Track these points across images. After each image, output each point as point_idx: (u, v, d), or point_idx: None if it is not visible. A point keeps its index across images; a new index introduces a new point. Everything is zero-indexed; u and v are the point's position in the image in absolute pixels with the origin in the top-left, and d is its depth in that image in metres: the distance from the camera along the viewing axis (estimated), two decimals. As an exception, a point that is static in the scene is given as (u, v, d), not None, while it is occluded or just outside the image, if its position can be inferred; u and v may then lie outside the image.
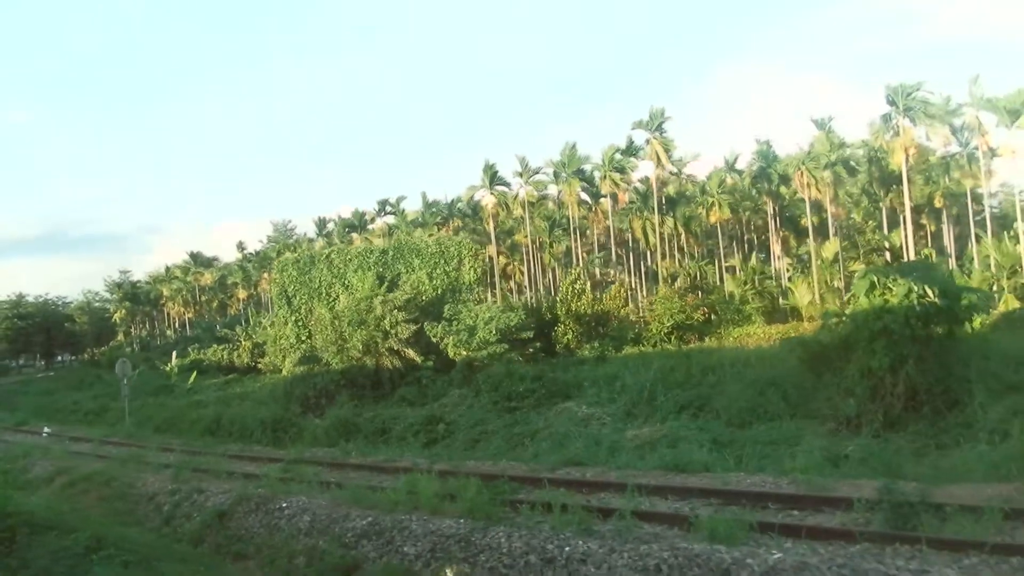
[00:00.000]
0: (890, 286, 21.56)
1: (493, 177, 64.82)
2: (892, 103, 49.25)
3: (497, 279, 70.12)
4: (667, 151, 58.65)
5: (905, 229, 51.16)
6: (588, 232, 72.39)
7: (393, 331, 35.52)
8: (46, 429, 38.57)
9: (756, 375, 24.79)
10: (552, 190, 65.57)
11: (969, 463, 15.62)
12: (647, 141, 58.42)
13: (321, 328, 37.70)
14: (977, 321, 26.75)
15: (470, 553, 12.41)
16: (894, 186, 52.85)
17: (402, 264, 39.95)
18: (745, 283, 52.50)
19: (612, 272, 64.43)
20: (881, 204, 58.57)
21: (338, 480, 18.84)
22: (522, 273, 73.03)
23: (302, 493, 17.08)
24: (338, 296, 39.48)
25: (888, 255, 55.64)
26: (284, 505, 16.39)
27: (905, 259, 49.16)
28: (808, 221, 60.34)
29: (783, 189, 60.96)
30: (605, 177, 59.72)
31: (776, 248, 66.50)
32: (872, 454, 17.55)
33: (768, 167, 60.73)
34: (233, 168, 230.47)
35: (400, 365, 35.54)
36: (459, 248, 40.05)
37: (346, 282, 39.82)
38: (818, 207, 62.97)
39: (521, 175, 63.39)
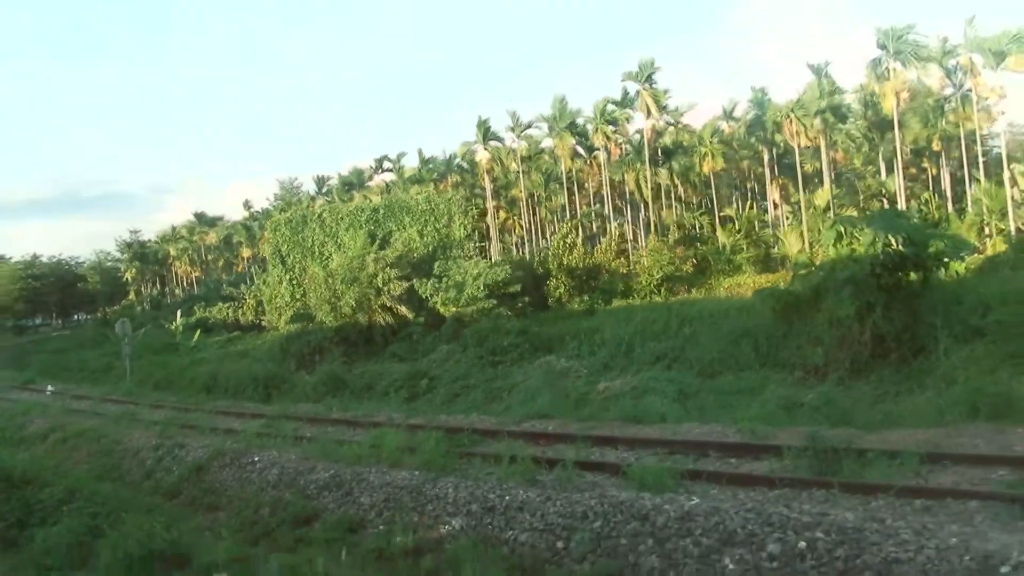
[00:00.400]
0: (856, 235, 21.79)
1: (486, 133, 64.72)
2: (883, 47, 48.65)
3: (494, 233, 70.38)
4: (657, 102, 58.27)
5: (897, 174, 50.92)
6: (586, 185, 72.33)
7: (385, 288, 36.07)
8: (50, 387, 39.50)
9: (732, 326, 25.19)
10: (549, 144, 65.37)
11: (919, 409, 16.07)
12: (637, 92, 58.04)
13: (315, 286, 38.29)
14: (959, 266, 27.01)
15: (419, 503, 12.97)
16: (889, 131, 52.48)
17: (393, 222, 40.37)
18: (738, 233, 52.55)
19: (606, 225, 64.44)
20: (880, 149, 58.18)
21: (314, 435, 19.47)
22: (522, 227, 73.30)
23: (275, 448, 17.74)
24: (331, 255, 39.98)
25: (886, 201, 55.45)
26: (256, 459, 17.03)
27: (900, 204, 49.10)
28: (805, 169, 60.06)
29: (778, 137, 60.57)
30: (597, 130, 59.51)
31: (776, 196, 66.29)
32: (829, 402, 17.99)
33: (763, 115, 60.35)
34: (244, 127, 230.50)
35: (392, 321, 36.16)
36: (449, 205, 40.41)
37: (339, 241, 40.32)
38: (820, 154, 62.60)
39: (513, 130, 63.29)
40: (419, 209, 40.00)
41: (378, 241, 38.57)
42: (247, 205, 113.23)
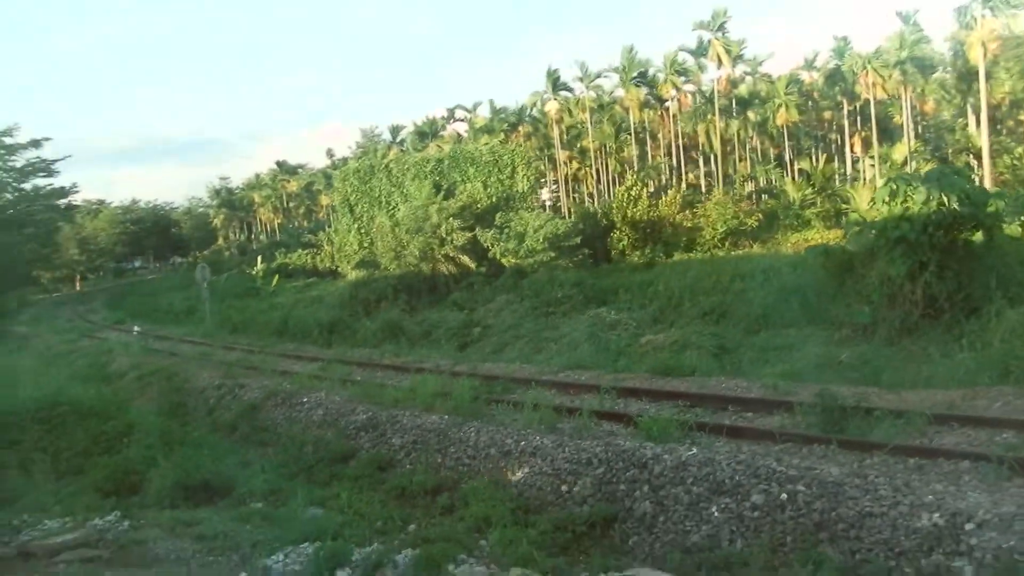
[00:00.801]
0: (910, 194, 21.31)
1: (556, 82, 64.28)
2: (972, -7, 46.20)
3: (562, 183, 70.31)
4: (729, 52, 56.80)
5: (983, 127, 48.56)
6: (659, 136, 71.37)
7: (448, 238, 36.81)
8: (136, 328, 41.85)
9: (783, 283, 25.04)
10: (621, 94, 64.49)
11: (954, 370, 15.92)
12: (708, 42, 56.63)
13: (381, 235, 39.32)
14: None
15: (443, 445, 13.74)
16: (977, 82, 50.03)
17: (458, 173, 40.92)
18: (812, 187, 51.23)
19: (672, 178, 63.61)
20: (968, 101, 55.58)
21: (363, 379, 20.47)
22: (593, 178, 73.00)
23: (323, 390, 18.78)
24: (397, 205, 40.87)
25: (972, 156, 53.13)
26: (305, 400, 18.12)
27: (985, 159, 47.02)
28: (895, 121, 57.76)
29: (858, 88, 58.43)
30: (667, 80, 58.50)
31: (858, 150, 64.20)
32: (866, 361, 17.93)
33: (842, 66, 58.24)
34: (331, 76, 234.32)
35: (454, 271, 36.95)
36: (513, 156, 40.69)
37: (404, 191, 41.14)
38: (911, 107, 60.21)
39: (582, 80, 62.72)
40: (483, 160, 40.44)
41: (443, 192, 39.25)
42: (329, 153, 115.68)
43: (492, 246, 35.83)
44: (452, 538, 9.78)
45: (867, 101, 62.80)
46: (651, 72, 60.20)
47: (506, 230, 36.83)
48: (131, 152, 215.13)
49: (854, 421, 11.71)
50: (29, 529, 11.28)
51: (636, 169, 59.28)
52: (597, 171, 75.14)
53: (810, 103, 62.41)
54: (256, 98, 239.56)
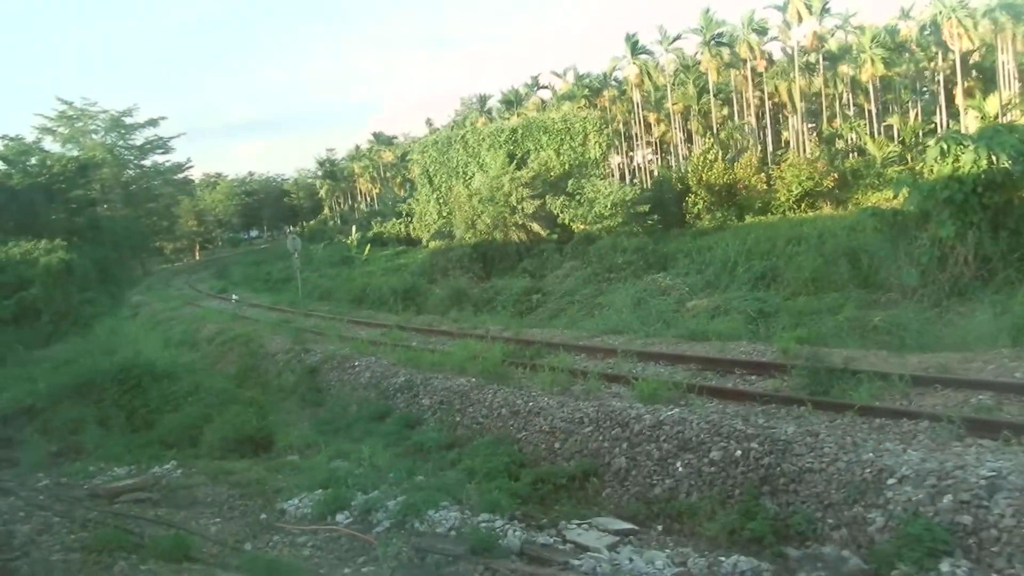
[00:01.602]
0: (959, 153, 20.95)
1: (635, 46, 63.74)
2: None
3: (642, 147, 69.87)
4: (809, 8, 54.95)
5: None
6: (745, 95, 69.81)
7: (520, 206, 37.77)
8: (234, 296, 44.50)
9: (836, 245, 24.91)
10: (703, 57, 63.29)
11: (978, 332, 15.89)
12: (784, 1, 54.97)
13: (459, 205, 40.60)
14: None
15: (463, 405, 14.87)
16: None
17: (531, 141, 41.64)
18: (903, 143, 49.35)
19: (750, 140, 62.26)
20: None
21: (418, 344, 21.76)
22: (682, 141, 72.26)
23: (375, 355, 20.16)
24: (473, 175, 42.00)
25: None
26: (356, 364, 19.55)
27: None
28: (992, 71, 54.77)
29: (945, 38, 55.53)
30: (744, 40, 57.16)
31: (960, 102, 61.19)
32: (900, 324, 17.95)
33: (937, 15, 55.43)
34: (435, 46, 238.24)
35: (525, 238, 37.92)
36: (584, 124, 41.10)
37: (480, 161, 42.19)
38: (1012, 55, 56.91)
39: (661, 43, 61.94)
40: (555, 128, 41.00)
41: (515, 161, 40.11)
42: (428, 123, 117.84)
43: (561, 213, 36.55)
44: (443, 488, 10.86)
45: (970, 50, 59.84)
46: (730, 32, 59.01)
47: (577, 197, 37.47)
48: (250, 124, 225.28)
49: (840, 383, 12.11)
50: (101, 474, 13.14)
51: (716, 131, 58.55)
52: (688, 133, 74.36)
53: (907, 55, 59.74)
54: (370, 69, 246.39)
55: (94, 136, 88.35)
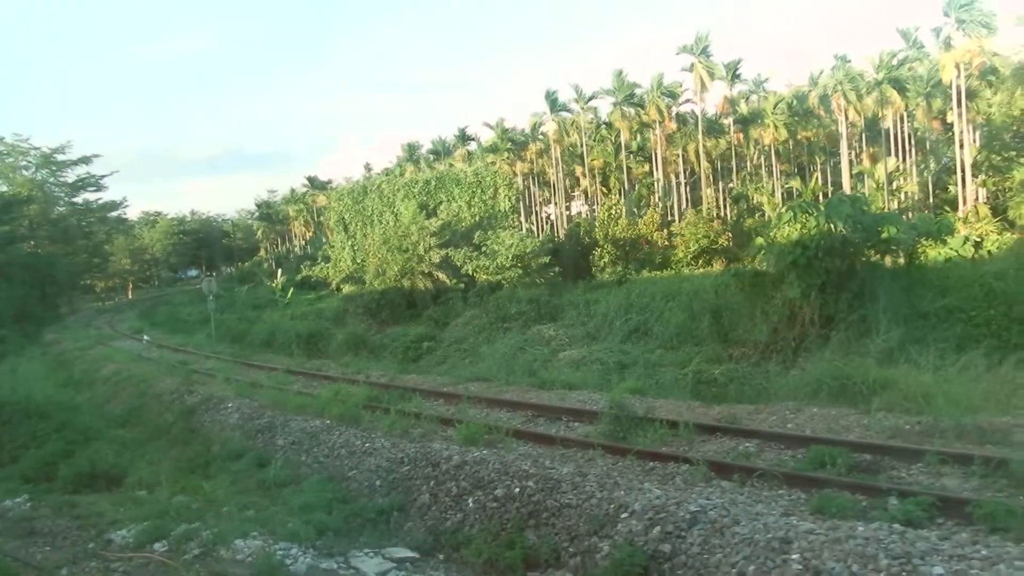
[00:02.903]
0: (804, 220, 22.81)
1: (554, 103, 66.39)
2: (947, 15, 46.81)
3: (561, 200, 71.97)
4: (711, 74, 58.07)
5: (962, 147, 48.93)
6: (659, 154, 72.72)
7: (427, 256, 38.99)
8: (146, 337, 44.72)
9: (705, 302, 26.52)
10: (614, 117, 66.13)
11: (792, 387, 17.45)
12: (691, 65, 58.00)
13: (371, 252, 41.66)
14: (940, 251, 27.32)
15: (311, 445, 15.81)
16: (958, 101, 50.41)
17: (444, 193, 43.09)
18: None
19: (665, 197, 64.70)
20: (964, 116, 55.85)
21: (300, 387, 22.64)
22: (604, 193, 74.71)
23: (251, 396, 20.98)
24: (388, 223, 43.19)
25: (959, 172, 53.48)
26: (229, 406, 20.35)
27: (964, 176, 47.43)
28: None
29: (860, 106, 58.96)
30: (652, 103, 60.00)
31: (867, 165, 64.66)
32: (735, 378, 19.51)
33: (838, 84, 58.93)
34: (381, 94, 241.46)
35: (432, 287, 39.07)
36: (495, 178, 42.73)
37: (395, 210, 43.45)
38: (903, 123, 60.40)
39: (577, 102, 64.63)
40: (467, 181, 42.54)
41: (426, 212, 41.45)
42: (367, 167, 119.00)
43: (464, 263, 37.85)
44: (261, 520, 11.81)
45: (878, 117, 63.41)
46: (643, 93, 61.85)
47: (483, 248, 38.85)
48: (205, 163, 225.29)
49: (637, 430, 13.40)
50: (-47, 506, 13.72)
51: (630, 187, 60.94)
52: (616, 187, 76.85)
53: (816, 120, 63.17)
54: (324, 113, 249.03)
55: (24, 172, 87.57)
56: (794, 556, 7.70)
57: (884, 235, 22.70)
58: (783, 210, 24.34)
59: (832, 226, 21.92)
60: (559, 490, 10.69)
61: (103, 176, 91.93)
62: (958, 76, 47.34)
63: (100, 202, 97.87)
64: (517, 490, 11.09)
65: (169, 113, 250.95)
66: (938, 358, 18.37)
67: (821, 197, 57.22)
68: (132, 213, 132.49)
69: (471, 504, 11.51)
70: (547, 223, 78.26)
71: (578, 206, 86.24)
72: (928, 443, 11.32)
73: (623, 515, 9.64)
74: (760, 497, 9.97)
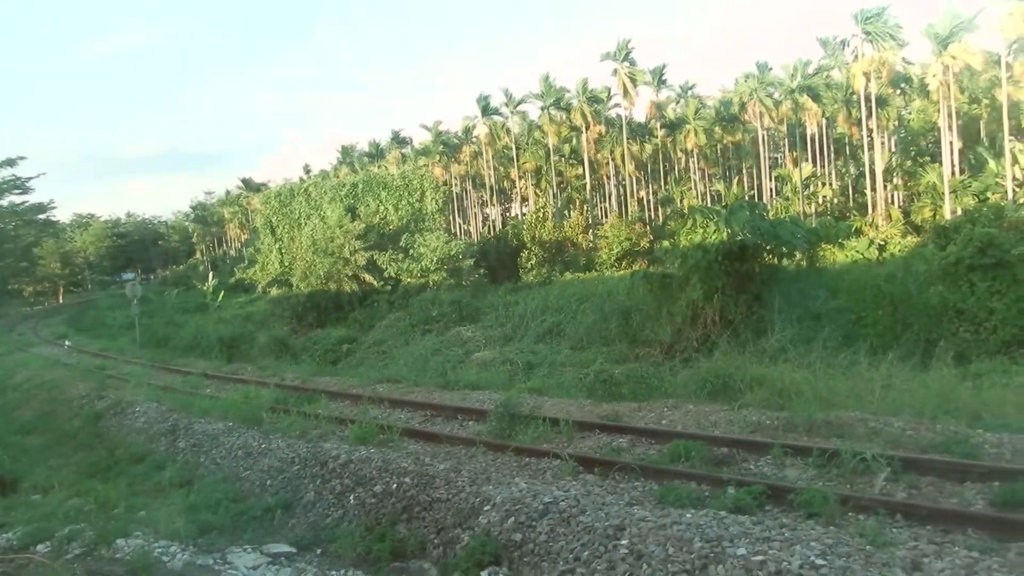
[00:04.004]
0: (704, 225, 23.73)
1: (485, 108, 67.11)
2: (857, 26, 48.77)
3: (495, 201, 72.81)
4: (634, 80, 59.45)
5: (875, 151, 51.00)
6: (588, 158, 73.95)
7: (352, 258, 39.20)
8: (67, 342, 44.06)
9: (617, 303, 27.31)
10: (543, 121, 67.21)
11: (683, 385, 18.20)
12: (614, 72, 59.36)
13: (298, 255, 41.73)
14: (839, 253, 28.54)
15: (211, 447, 16.04)
16: (868, 110, 52.54)
17: (371, 196, 43.32)
18: (725, 207, 53.36)
19: (583, 203, 66.06)
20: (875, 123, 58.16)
21: (212, 391, 22.76)
22: (537, 196, 75.63)
23: (158, 400, 21.05)
24: (315, 226, 43.27)
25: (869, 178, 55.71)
26: (136, 410, 20.40)
27: (878, 180, 49.47)
28: (769, 146, 60.24)
29: (776, 113, 60.96)
30: (579, 108, 61.16)
31: (789, 169, 66.67)
32: (635, 377, 20.19)
33: (753, 92, 60.77)
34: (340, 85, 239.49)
35: (358, 289, 39.28)
36: (422, 181, 43.11)
37: (322, 213, 43.54)
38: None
39: (507, 105, 65.48)
40: (394, 185, 42.87)
41: (352, 214, 41.65)
42: (306, 168, 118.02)
43: (387, 266, 38.16)
44: (148, 520, 12.10)
45: (797, 122, 65.42)
46: (571, 99, 62.99)
47: (410, 250, 39.23)
48: (143, 162, 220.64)
49: (521, 428, 13.98)
50: None
51: (558, 190, 61.96)
52: (546, 190, 77.70)
53: (741, 125, 64.90)
54: (265, 113, 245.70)
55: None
56: (623, 542, 8.31)
57: (780, 239, 23.70)
58: (686, 217, 25.24)
59: (732, 231, 22.82)
60: (432, 485, 11.18)
61: (29, 178, 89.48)
62: (867, 85, 49.29)
63: (26, 205, 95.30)
64: (395, 486, 11.54)
65: (104, 113, 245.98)
66: (826, 356, 19.40)
67: (747, 200, 59.05)
68: (63, 215, 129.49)
69: (352, 500, 11.93)
70: (484, 225, 78.88)
71: (520, 208, 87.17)
72: (782, 437, 12.09)
73: (486, 508, 10.16)
74: (616, 489, 10.61)
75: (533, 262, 43.50)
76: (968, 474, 9.54)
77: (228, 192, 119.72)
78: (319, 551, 11.39)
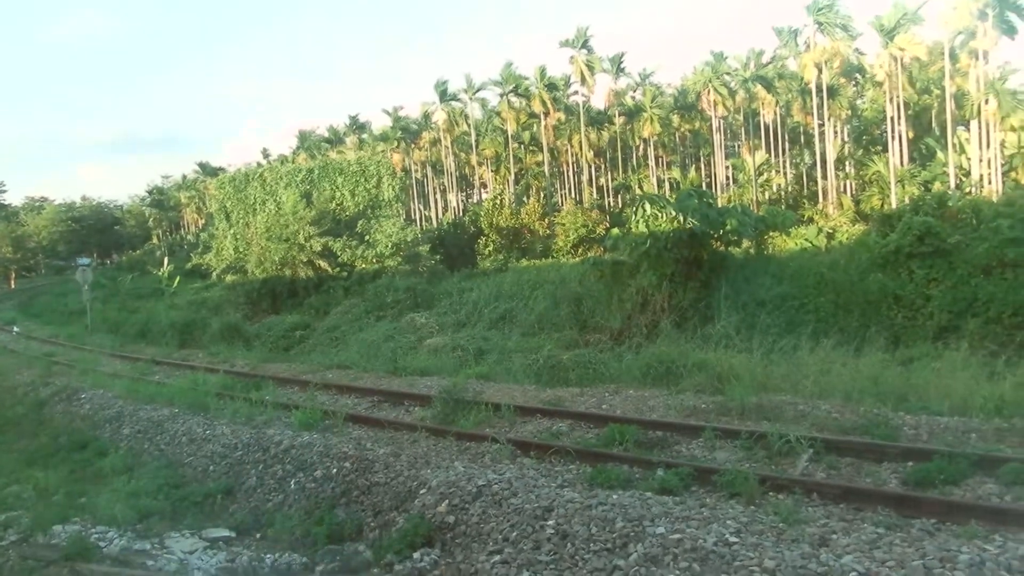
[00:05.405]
0: (657, 213, 24.05)
1: (443, 94, 66.98)
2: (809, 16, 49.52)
3: (454, 187, 72.85)
4: (591, 68, 59.80)
5: (827, 141, 51.97)
6: (546, 144, 74.26)
7: (307, 244, 39.00)
8: (16, 328, 43.27)
9: (569, 290, 27.56)
10: (501, 108, 67.34)
11: (628, 370, 18.52)
12: (571, 59, 59.68)
13: (252, 241, 41.38)
14: (788, 241, 29.08)
15: (155, 434, 16.00)
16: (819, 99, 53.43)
17: (327, 182, 43.09)
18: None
19: (540, 190, 66.42)
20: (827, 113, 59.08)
21: (161, 377, 22.61)
22: (498, 183, 75.73)
23: (104, 387, 20.88)
24: (271, 212, 42.92)
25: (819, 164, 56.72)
26: (82, 396, 20.22)
27: (829, 168, 50.38)
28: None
29: (731, 102, 61.67)
30: (537, 95, 61.39)
31: (744, 157, 67.49)
32: (583, 362, 20.43)
33: (710, 80, 61.42)
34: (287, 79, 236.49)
35: (313, 275, 39.12)
36: (379, 168, 42.96)
37: (277, 199, 43.20)
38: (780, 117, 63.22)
39: (466, 91, 65.46)
40: (351, 171, 42.68)
41: (307, 200, 41.40)
42: (264, 153, 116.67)
43: (342, 253, 38.04)
44: (86, 507, 12.10)
45: (754, 111, 66.20)
46: (527, 85, 63.12)
47: (366, 237, 39.13)
48: (97, 146, 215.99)
49: (464, 413, 14.15)
50: None
51: (516, 177, 62.16)
52: (505, 176, 77.80)
53: (698, 113, 65.55)
54: (226, 97, 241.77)
55: None
56: (550, 523, 8.54)
57: (727, 227, 24.11)
58: (637, 205, 25.55)
59: (680, 219, 23.15)
60: (372, 470, 11.32)
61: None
62: (819, 75, 50.09)
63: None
64: (335, 471, 11.67)
65: (59, 97, 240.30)
66: (768, 342, 19.85)
67: (704, 187, 59.73)
68: (15, 199, 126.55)
69: (293, 485, 12.03)
70: (446, 211, 78.79)
71: (480, 195, 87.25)
72: (714, 420, 12.42)
73: (422, 491, 10.33)
74: (550, 472, 10.83)
75: (490, 249, 43.66)
76: (885, 455, 9.92)
77: (185, 177, 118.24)
78: (258, 535, 11.49)
